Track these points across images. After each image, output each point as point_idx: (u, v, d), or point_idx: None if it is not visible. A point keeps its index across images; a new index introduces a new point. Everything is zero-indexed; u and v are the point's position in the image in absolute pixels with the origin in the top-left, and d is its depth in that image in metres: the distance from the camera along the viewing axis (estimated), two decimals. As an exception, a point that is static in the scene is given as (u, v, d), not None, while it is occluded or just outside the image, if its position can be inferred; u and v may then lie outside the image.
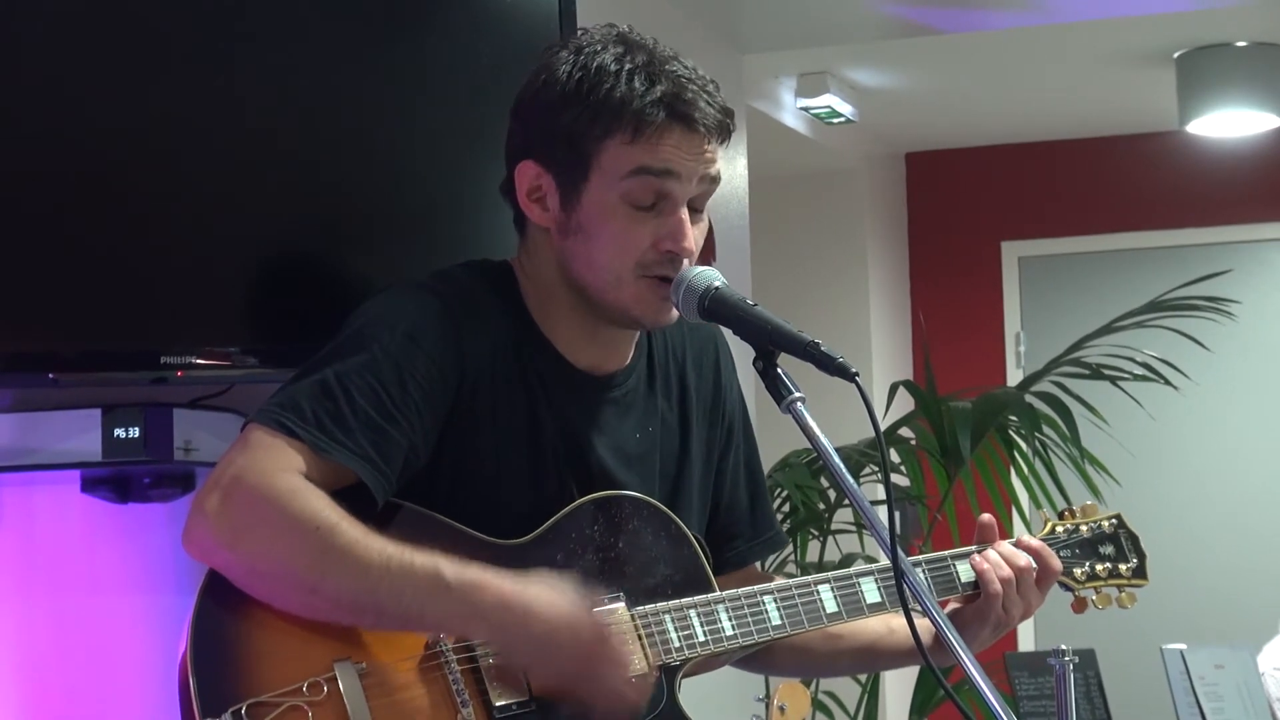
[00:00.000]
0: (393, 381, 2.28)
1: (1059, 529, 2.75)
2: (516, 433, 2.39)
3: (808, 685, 4.64)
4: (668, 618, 2.38)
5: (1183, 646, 4.11)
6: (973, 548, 2.62)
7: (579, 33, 2.47)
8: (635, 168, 2.33)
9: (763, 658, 2.61)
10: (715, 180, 2.40)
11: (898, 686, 6.07)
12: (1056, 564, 2.63)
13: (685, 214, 2.37)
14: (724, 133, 2.39)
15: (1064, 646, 3.46)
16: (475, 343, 2.36)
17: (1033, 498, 5.04)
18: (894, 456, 5.14)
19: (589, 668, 2.28)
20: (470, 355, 2.35)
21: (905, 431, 5.26)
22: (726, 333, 2.42)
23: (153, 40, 2.83)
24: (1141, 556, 2.79)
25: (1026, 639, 7.11)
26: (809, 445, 2.27)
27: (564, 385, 2.43)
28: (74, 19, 2.77)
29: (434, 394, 2.31)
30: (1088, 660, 3.98)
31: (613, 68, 2.35)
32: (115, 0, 2.82)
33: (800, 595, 2.48)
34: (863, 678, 5.12)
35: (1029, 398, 5.09)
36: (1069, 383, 5.17)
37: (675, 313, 2.39)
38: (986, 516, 2.64)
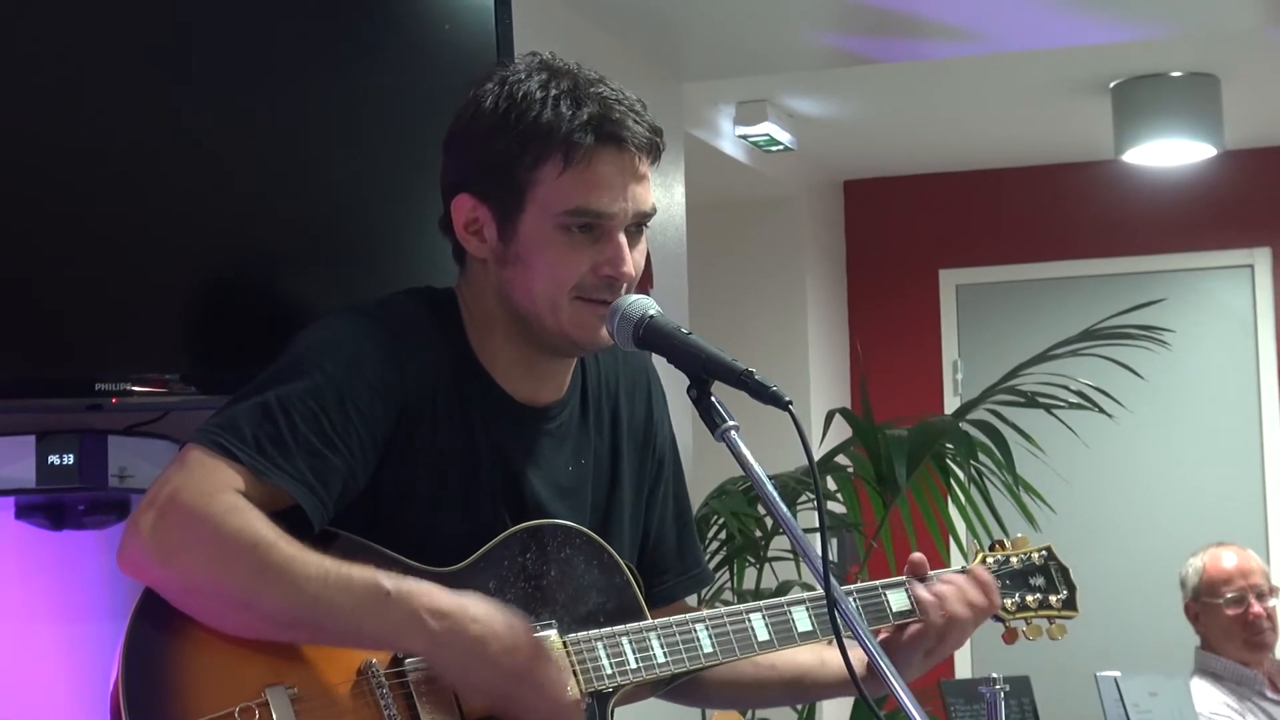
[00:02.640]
0: (334, 407, 2.29)
1: (989, 560, 2.76)
2: (453, 462, 2.40)
3: (744, 715, 4.65)
4: (600, 645, 2.40)
5: (1117, 674, 4.14)
6: (902, 578, 2.63)
7: (502, 65, 2.49)
8: (571, 209, 2.35)
9: (694, 690, 2.63)
10: (652, 210, 2.43)
11: (834, 714, 6.09)
12: (997, 601, 2.66)
13: (623, 239, 2.39)
14: (654, 151, 2.42)
15: (995, 675, 3.49)
16: (417, 371, 2.37)
17: (969, 525, 5.06)
18: (830, 484, 5.15)
19: (523, 684, 2.29)
20: (412, 384, 2.36)
21: (842, 459, 5.27)
22: (661, 361, 2.43)
23: (91, 66, 2.83)
24: (1071, 588, 2.80)
25: (963, 666, 7.13)
26: (744, 474, 2.30)
27: (501, 417, 2.44)
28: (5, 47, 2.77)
29: (374, 421, 2.32)
30: (1022, 688, 4.00)
31: (538, 94, 2.37)
32: (52, 28, 2.81)
33: (732, 623, 2.50)
34: (800, 707, 5.14)
35: (965, 426, 5.11)
36: (1005, 410, 5.19)
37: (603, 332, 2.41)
38: (918, 555, 2.65)
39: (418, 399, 2.37)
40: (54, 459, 2.86)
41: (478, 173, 2.40)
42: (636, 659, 2.41)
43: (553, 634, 2.38)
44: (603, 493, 2.55)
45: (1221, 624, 5.21)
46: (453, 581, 2.33)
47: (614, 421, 2.58)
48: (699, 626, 2.47)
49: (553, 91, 2.37)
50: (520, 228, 2.38)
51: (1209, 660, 5.23)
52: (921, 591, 2.60)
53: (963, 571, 2.68)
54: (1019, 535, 2.87)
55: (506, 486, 2.43)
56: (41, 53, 2.79)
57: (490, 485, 2.42)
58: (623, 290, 2.39)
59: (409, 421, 2.36)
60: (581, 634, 2.39)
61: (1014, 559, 2.78)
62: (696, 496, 5.45)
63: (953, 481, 5.12)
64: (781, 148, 6.51)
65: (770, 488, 2.28)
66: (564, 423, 2.51)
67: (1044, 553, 2.81)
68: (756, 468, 2.28)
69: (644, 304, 2.39)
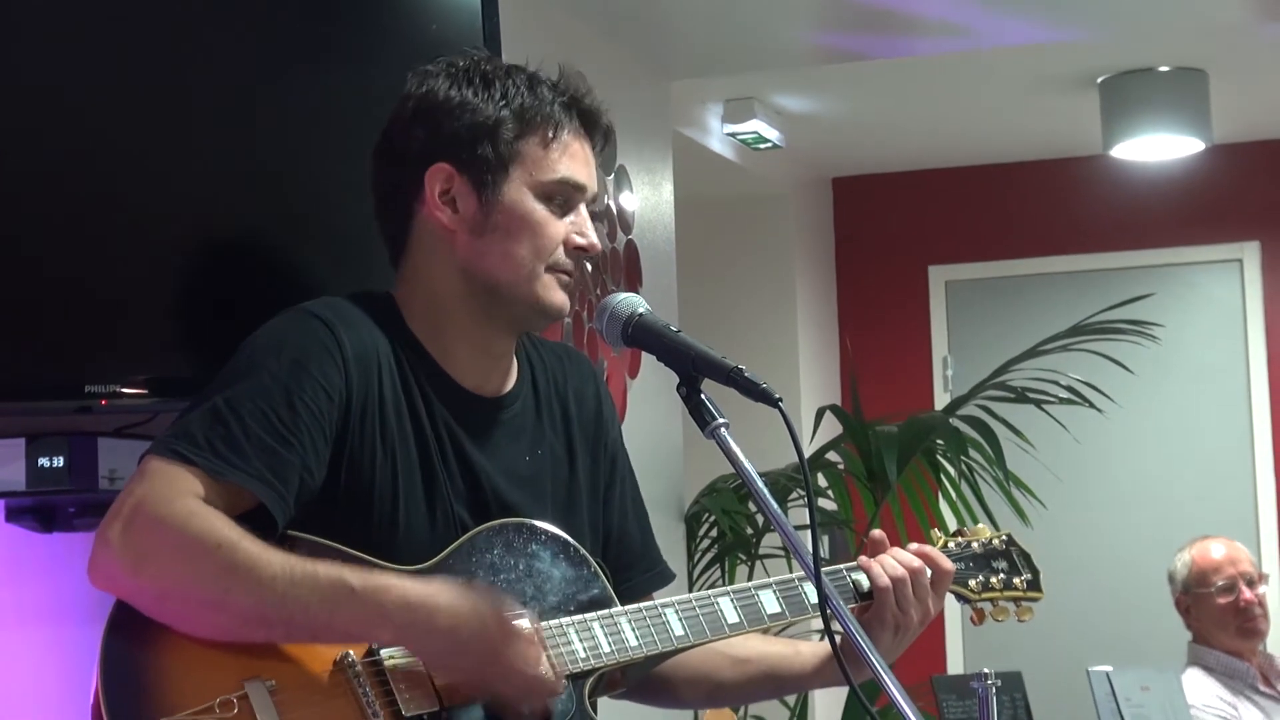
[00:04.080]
0: (282, 404, 2.31)
1: (950, 544, 2.78)
2: (407, 451, 2.42)
3: (736, 712, 4.66)
4: (571, 630, 2.41)
5: (1109, 668, 4.15)
6: (862, 558, 2.64)
7: (443, 60, 2.55)
8: (557, 179, 2.45)
9: (667, 689, 2.66)
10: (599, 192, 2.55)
11: (826, 709, 6.10)
12: (947, 564, 2.65)
13: (586, 213, 2.49)
14: (606, 140, 2.57)
15: (987, 670, 3.49)
16: (361, 364, 2.40)
17: (960, 521, 5.07)
18: (821, 481, 5.17)
19: (497, 665, 2.30)
20: (357, 376, 2.39)
21: (833, 456, 5.29)
22: (650, 359, 2.45)
23: (74, 70, 2.83)
24: (1035, 572, 2.82)
25: (956, 662, 7.15)
26: (735, 471, 2.31)
27: (452, 405, 2.46)
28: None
29: (322, 414, 2.34)
30: (1014, 683, 4.01)
31: (521, 75, 2.49)
32: (37, 30, 2.81)
33: (701, 607, 2.51)
34: (791, 700, 5.14)
35: (955, 421, 5.13)
36: (995, 406, 5.21)
37: (568, 304, 2.51)
38: (877, 532, 2.66)
39: (364, 391, 2.39)
40: (44, 461, 2.86)
41: (459, 142, 2.45)
42: (609, 642, 2.42)
43: (525, 622, 2.37)
44: (563, 489, 2.57)
45: (1213, 613, 5.22)
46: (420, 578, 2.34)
47: (565, 419, 2.60)
48: (669, 611, 2.48)
49: (526, 75, 2.49)
50: (503, 195, 2.44)
51: (1201, 653, 5.24)
52: (868, 562, 2.61)
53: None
54: (979, 525, 2.91)
55: (464, 474, 2.45)
56: (33, 54, 2.79)
57: (446, 474, 2.44)
58: (587, 266, 2.45)
59: (358, 414, 2.38)
60: (553, 620, 2.40)
61: (975, 544, 2.80)
62: (688, 495, 5.46)
63: (943, 477, 5.14)
64: (770, 145, 6.52)
65: (761, 485, 2.30)
66: (518, 414, 2.53)
67: (1004, 539, 2.83)
68: (747, 465, 2.31)
69: (633, 302, 2.44)
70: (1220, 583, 5.22)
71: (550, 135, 2.45)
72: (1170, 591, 5.33)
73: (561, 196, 2.46)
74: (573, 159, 2.47)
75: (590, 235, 2.48)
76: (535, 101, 2.46)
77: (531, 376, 2.58)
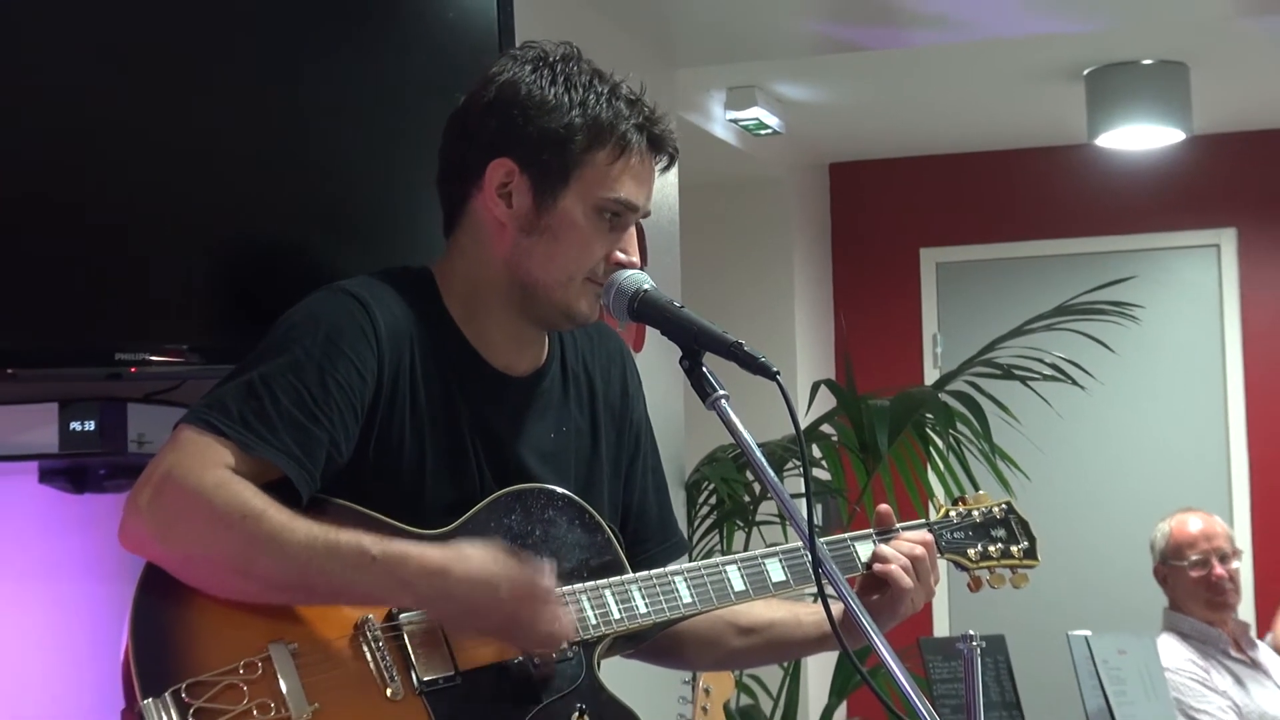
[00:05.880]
0: (314, 381, 2.30)
1: (952, 513, 2.78)
2: (436, 428, 2.40)
3: (734, 674, 4.66)
4: (584, 597, 2.40)
5: (1088, 633, 4.15)
6: (869, 530, 2.63)
7: (537, 47, 2.49)
8: (615, 196, 2.42)
9: (676, 652, 2.65)
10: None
11: (818, 670, 6.10)
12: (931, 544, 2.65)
13: (632, 230, 2.47)
14: (672, 163, 2.52)
15: (972, 633, 3.49)
16: (393, 343, 2.38)
17: (947, 491, 5.07)
18: (816, 452, 5.17)
19: (516, 625, 2.30)
20: (388, 354, 2.37)
21: (827, 428, 5.28)
22: (654, 333, 2.44)
23: (112, 50, 2.83)
24: (1032, 539, 2.81)
25: (941, 625, 7.15)
26: (734, 441, 2.31)
27: (481, 383, 2.45)
28: (35, 29, 2.77)
29: (354, 392, 2.33)
30: (997, 645, 4.02)
31: (599, 88, 2.43)
32: (82, 13, 2.81)
33: (709, 575, 2.51)
34: (785, 664, 5.15)
35: (944, 396, 5.13)
36: (982, 382, 5.21)
37: (597, 315, 2.47)
38: (884, 508, 2.65)
39: (395, 369, 2.38)
40: (75, 425, 2.86)
41: (529, 143, 2.41)
42: (619, 609, 2.42)
43: (546, 570, 2.36)
44: (584, 464, 2.55)
45: (1186, 585, 5.23)
46: (442, 543, 2.33)
47: (591, 396, 2.59)
48: (678, 579, 2.48)
49: (608, 87, 2.43)
50: (560, 202, 2.41)
51: (1176, 620, 5.25)
52: (883, 549, 2.59)
53: (923, 527, 2.69)
54: (980, 492, 2.90)
55: (490, 450, 2.44)
56: (73, 32, 2.79)
57: (474, 449, 2.43)
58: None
59: (388, 390, 2.37)
60: (565, 588, 2.39)
61: (975, 513, 2.79)
62: (688, 463, 5.46)
63: (932, 450, 5.13)
64: (770, 131, 6.51)
65: (759, 454, 2.29)
66: (545, 392, 2.52)
67: (1004, 507, 2.81)
68: (746, 435, 2.30)
69: (638, 279, 2.42)
70: (1194, 557, 5.23)
71: (618, 153, 2.41)
72: (1149, 559, 5.34)
73: (614, 213, 2.42)
74: (634, 179, 2.43)
75: (633, 253, 2.46)
76: (611, 116, 2.41)
77: (561, 354, 2.56)
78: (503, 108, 2.43)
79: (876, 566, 2.58)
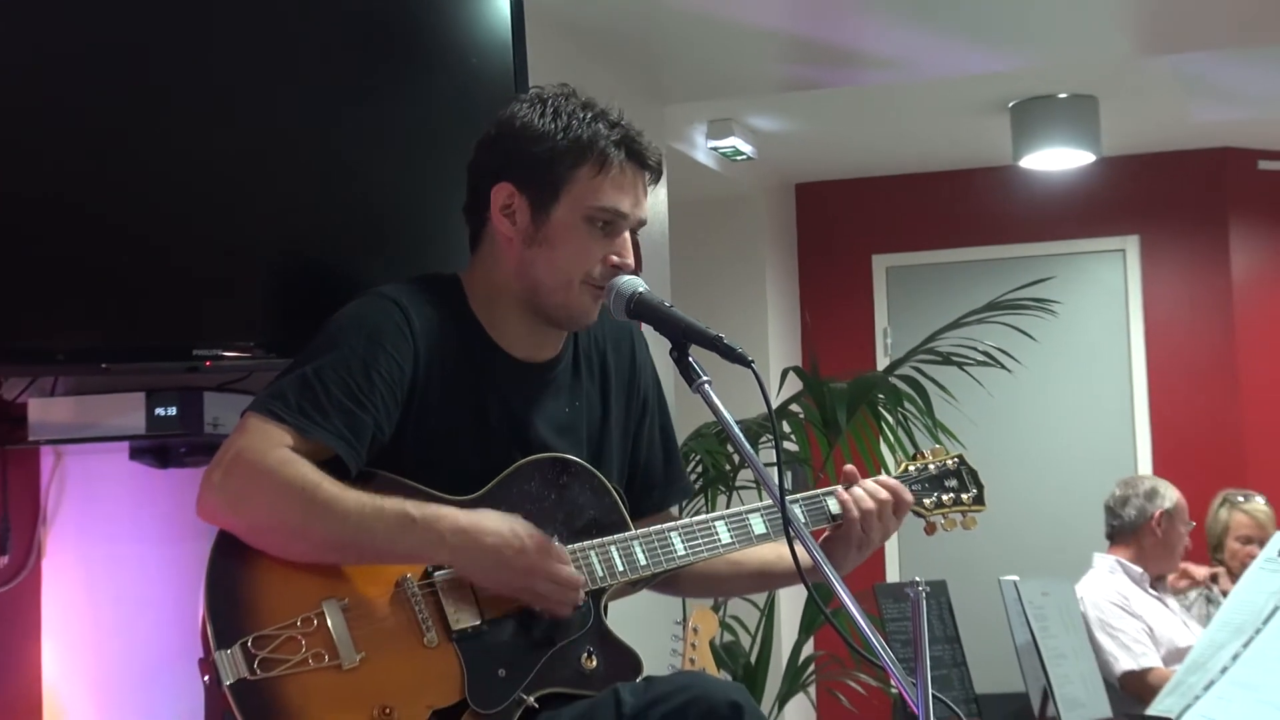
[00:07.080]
0: (360, 373, 2.31)
1: (911, 468, 2.77)
2: (466, 411, 2.41)
3: (716, 610, 4.66)
4: (593, 553, 2.41)
5: (1016, 578, 4.14)
6: (838, 487, 2.62)
7: (538, 89, 2.50)
8: (600, 205, 2.40)
9: (676, 583, 2.64)
10: (645, 220, 2.48)
11: (790, 611, 6.10)
12: (908, 497, 2.63)
13: (628, 237, 2.44)
14: (658, 175, 2.49)
15: (918, 579, 3.48)
16: (427, 339, 2.38)
17: (896, 459, 5.06)
18: (785, 427, 5.16)
19: (535, 576, 2.30)
20: (423, 350, 2.38)
21: (795, 408, 5.27)
22: (648, 328, 2.44)
23: (200, 75, 2.82)
24: (980, 487, 2.80)
25: (893, 571, 7.15)
26: (716, 419, 2.31)
27: (505, 372, 2.45)
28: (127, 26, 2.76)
29: (394, 382, 2.34)
30: (939, 589, 4.01)
31: (581, 114, 2.42)
32: (153, 29, 2.80)
33: (700, 530, 2.51)
34: (760, 601, 5.15)
35: (894, 380, 5.12)
36: (926, 367, 5.20)
37: (596, 314, 2.45)
38: (849, 467, 2.65)
39: (428, 362, 2.38)
40: (160, 411, 2.87)
41: (522, 167, 2.42)
42: (623, 563, 2.42)
43: (554, 542, 2.37)
44: (596, 428, 2.55)
45: (1170, 542, 5.39)
46: (471, 507, 2.34)
47: (603, 370, 2.59)
48: (673, 534, 2.48)
49: (591, 113, 2.42)
50: (553, 215, 2.41)
51: (1110, 561, 5.35)
52: (844, 494, 2.59)
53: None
54: (936, 446, 2.87)
55: (514, 427, 2.44)
56: (160, 42, 2.79)
57: (500, 427, 2.43)
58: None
59: (423, 381, 2.37)
60: (577, 545, 2.40)
61: (931, 466, 2.77)
62: (678, 437, 5.45)
63: (883, 425, 5.12)
64: (745, 157, 6.50)
65: (737, 430, 2.30)
66: (559, 374, 2.52)
67: (956, 459, 2.80)
68: (726, 414, 2.31)
69: (635, 282, 2.43)
70: (1183, 528, 5.42)
71: (599, 167, 2.40)
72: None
73: (604, 221, 2.41)
74: (616, 188, 2.41)
75: (626, 256, 2.43)
76: (591, 136, 2.40)
77: (575, 339, 2.55)
78: (502, 140, 2.45)
79: (837, 490, 2.58)
